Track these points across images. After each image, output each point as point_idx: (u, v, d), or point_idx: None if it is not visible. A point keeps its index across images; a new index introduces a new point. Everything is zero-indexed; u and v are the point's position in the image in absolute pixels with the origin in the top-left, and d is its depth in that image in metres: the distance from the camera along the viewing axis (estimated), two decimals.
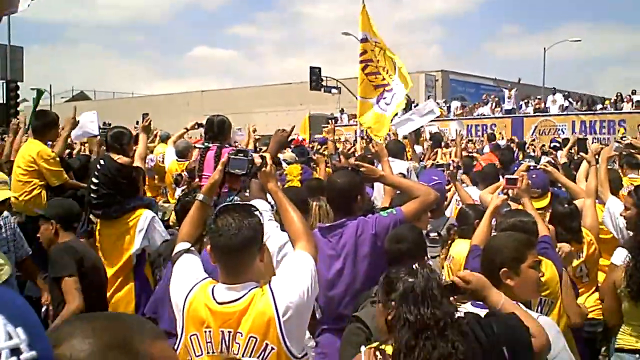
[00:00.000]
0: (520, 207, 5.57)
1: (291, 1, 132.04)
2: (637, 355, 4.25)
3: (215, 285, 2.75)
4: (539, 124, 26.76)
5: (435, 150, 12.05)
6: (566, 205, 5.17)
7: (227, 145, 6.17)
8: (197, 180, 5.98)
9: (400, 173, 7.95)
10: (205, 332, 2.69)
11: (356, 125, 13.95)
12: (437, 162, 9.42)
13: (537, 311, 3.71)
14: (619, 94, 27.59)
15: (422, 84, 41.07)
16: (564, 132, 24.61)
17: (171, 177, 8.46)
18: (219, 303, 2.66)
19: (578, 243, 5.08)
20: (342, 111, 34.69)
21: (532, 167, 6.59)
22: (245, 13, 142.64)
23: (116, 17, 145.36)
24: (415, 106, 16.25)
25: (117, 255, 5.36)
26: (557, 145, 15.22)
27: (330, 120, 21.29)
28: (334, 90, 36.03)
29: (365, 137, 13.64)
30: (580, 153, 9.13)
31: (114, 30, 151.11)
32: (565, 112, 26.89)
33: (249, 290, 2.67)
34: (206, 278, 2.84)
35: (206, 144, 6.09)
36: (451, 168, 6.78)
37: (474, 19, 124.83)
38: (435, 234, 5.58)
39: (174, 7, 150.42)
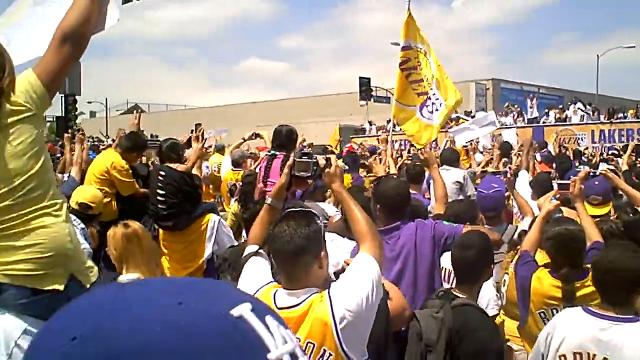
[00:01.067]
0: (574, 213, 5.49)
1: (341, 11, 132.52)
2: None
3: (277, 289, 2.76)
4: (559, 133, 26.55)
5: (502, 159, 11.88)
6: (632, 214, 5.06)
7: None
8: (261, 185, 6.06)
9: (456, 181, 7.93)
10: None
11: (387, 133, 14.26)
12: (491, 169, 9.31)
13: None
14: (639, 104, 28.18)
15: (472, 92, 40.67)
16: (583, 141, 24.55)
17: (226, 186, 8.58)
18: (279, 308, 2.65)
19: None
20: (370, 122, 35.25)
21: (592, 174, 6.46)
22: (294, 24, 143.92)
23: (168, 32, 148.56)
24: (473, 116, 16.18)
25: (186, 263, 5.47)
26: (616, 152, 14.89)
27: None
28: (361, 103, 36.74)
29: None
30: None
31: (167, 45, 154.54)
32: (584, 122, 26.88)
33: (309, 296, 2.67)
34: (270, 282, 2.87)
35: (273, 151, 6.18)
36: (508, 175, 6.68)
37: (526, 27, 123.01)
38: None
39: (224, 20, 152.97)
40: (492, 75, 45.53)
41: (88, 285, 2.75)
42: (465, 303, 3.48)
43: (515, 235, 5.50)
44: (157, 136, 11.91)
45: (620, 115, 27.94)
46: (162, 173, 5.60)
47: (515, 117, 30.14)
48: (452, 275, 4.24)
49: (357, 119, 38.29)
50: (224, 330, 0.70)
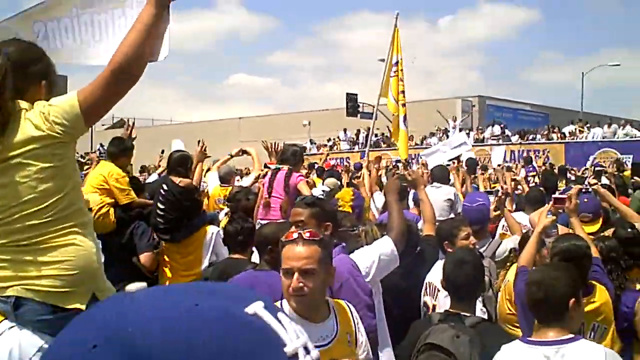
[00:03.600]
0: (569, 230, 5.47)
1: (328, 28, 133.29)
2: None
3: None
4: (476, 152, 27.38)
5: (473, 176, 11.89)
6: (629, 230, 5.04)
7: (298, 171, 6.71)
8: (266, 196, 6.33)
9: (448, 199, 7.91)
10: None
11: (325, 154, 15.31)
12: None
13: (589, 337, 3.62)
14: (550, 126, 31.87)
15: (458, 109, 40.86)
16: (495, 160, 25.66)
17: (215, 203, 8.52)
18: None
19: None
20: (311, 141, 36.41)
21: (584, 190, 6.46)
22: (282, 41, 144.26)
23: None
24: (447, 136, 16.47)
25: (185, 273, 5.74)
26: (600, 170, 14.99)
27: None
28: (304, 122, 38.25)
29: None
30: (635, 177, 9.05)
31: None
32: (497, 143, 28.55)
33: None
34: None
35: (278, 165, 6.46)
36: (500, 194, 6.66)
37: (512, 45, 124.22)
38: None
39: (213, 36, 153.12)
40: (479, 92, 45.79)
41: None
42: (481, 320, 3.42)
43: (505, 253, 5.47)
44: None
45: (531, 136, 30.94)
46: (165, 187, 5.86)
47: (440, 136, 30.97)
48: (437, 290, 4.21)
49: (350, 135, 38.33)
50: (242, 327, 0.73)
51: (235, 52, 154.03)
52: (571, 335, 2.95)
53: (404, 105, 11.62)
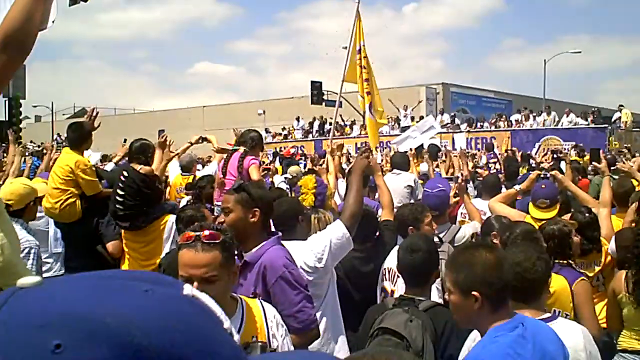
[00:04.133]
0: (523, 215, 5.57)
1: (293, 16, 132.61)
2: None
3: None
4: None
5: (435, 163, 11.99)
6: (587, 215, 5.15)
7: (254, 155, 6.63)
8: (221, 177, 6.27)
9: (408, 185, 7.97)
10: None
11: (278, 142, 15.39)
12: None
13: None
14: (497, 115, 32.86)
15: (423, 96, 41.05)
16: (445, 147, 26.14)
17: (175, 191, 8.46)
18: None
19: (598, 252, 5.08)
20: (267, 130, 36.08)
21: (542, 176, 6.57)
22: (246, 29, 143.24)
23: (117, 34, 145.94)
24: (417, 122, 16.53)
25: (145, 261, 5.73)
26: (559, 156, 15.22)
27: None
28: (259, 111, 39.25)
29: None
30: (593, 163, 9.24)
31: (116, 47, 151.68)
32: (447, 131, 29.35)
33: None
34: None
35: (235, 147, 6.44)
36: (459, 181, 6.73)
37: (475, 33, 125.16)
38: (437, 239, 5.55)
39: (176, 23, 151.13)
40: (443, 79, 46.08)
41: None
42: (435, 304, 3.43)
43: (465, 238, 5.53)
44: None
45: (480, 124, 31.58)
46: (125, 174, 5.86)
47: (392, 125, 30.99)
48: (397, 276, 4.23)
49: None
50: (194, 306, 0.75)
51: (200, 40, 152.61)
52: (548, 315, 3.01)
53: (368, 93, 11.55)
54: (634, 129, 28.88)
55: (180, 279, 2.44)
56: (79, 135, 6.54)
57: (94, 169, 6.45)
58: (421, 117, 28.43)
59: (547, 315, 2.97)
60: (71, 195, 6.17)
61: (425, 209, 5.00)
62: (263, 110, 43.93)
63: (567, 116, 29.35)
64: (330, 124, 28.03)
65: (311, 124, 36.48)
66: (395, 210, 5.54)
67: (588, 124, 27.86)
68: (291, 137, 35.83)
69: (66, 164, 6.31)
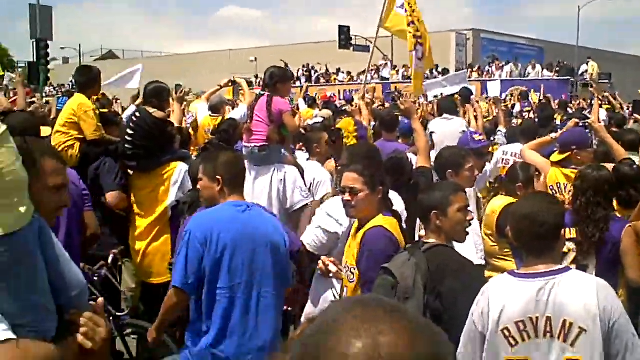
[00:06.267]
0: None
1: None
2: None
3: None
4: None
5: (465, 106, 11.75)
6: (633, 167, 5.00)
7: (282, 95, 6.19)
8: (248, 122, 6.05)
9: (462, 130, 7.71)
10: None
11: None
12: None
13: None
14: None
15: (452, 42, 40.30)
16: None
17: (204, 132, 8.41)
18: None
19: None
20: (256, 76, 35.24)
21: (580, 125, 6.41)
22: None
23: None
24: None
25: (152, 207, 5.67)
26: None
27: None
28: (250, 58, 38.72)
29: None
30: (635, 115, 9.12)
31: None
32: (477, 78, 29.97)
33: None
34: None
35: (261, 92, 6.18)
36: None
37: None
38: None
39: None
40: (473, 25, 45.11)
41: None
42: (436, 244, 3.37)
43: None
44: None
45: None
46: (137, 114, 5.78)
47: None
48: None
49: (344, 68, 37.76)
50: None
51: None
52: (561, 266, 2.92)
53: (414, 37, 10.83)
54: (600, 81, 29.38)
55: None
56: (87, 79, 6.44)
57: (97, 112, 6.23)
58: (448, 69, 28.30)
59: (559, 267, 2.87)
60: (71, 139, 6.02)
61: (469, 154, 4.87)
62: (255, 58, 42.93)
63: (534, 68, 31.38)
64: (316, 70, 27.84)
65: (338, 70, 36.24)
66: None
67: (551, 76, 29.64)
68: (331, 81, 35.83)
69: (71, 107, 6.21)
